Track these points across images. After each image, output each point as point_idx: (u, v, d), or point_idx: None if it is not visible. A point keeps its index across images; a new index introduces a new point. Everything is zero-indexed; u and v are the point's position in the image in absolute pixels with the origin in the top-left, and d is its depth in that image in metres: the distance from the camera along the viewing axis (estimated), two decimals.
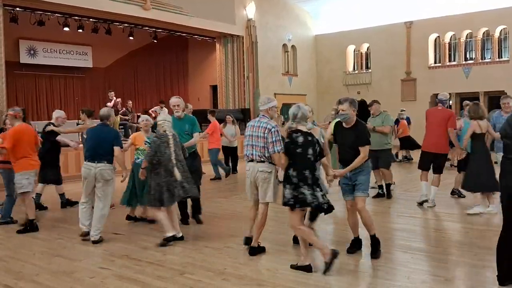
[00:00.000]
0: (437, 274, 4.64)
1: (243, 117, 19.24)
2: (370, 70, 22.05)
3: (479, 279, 4.45)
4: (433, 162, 7.75)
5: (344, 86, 22.35)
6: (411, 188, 9.79)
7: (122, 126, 16.05)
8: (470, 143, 7.25)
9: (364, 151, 5.03)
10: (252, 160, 5.26)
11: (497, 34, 18.91)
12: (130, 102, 17.46)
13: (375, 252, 5.14)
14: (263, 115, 5.30)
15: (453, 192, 8.65)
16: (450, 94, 19.68)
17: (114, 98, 15.97)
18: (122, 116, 16.20)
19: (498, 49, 19.08)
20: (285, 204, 4.76)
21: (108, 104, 15.90)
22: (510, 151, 4.17)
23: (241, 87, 19.75)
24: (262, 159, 5.17)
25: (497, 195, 7.24)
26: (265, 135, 5.08)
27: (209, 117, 11.83)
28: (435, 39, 20.43)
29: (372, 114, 8.82)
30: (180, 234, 6.03)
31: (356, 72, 22.61)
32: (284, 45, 21.82)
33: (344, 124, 5.22)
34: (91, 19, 17.38)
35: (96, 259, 5.43)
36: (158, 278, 4.72)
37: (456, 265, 4.99)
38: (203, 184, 10.60)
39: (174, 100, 6.73)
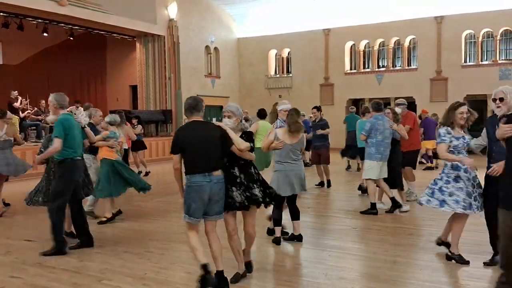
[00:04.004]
0: (352, 270, 4.88)
1: (164, 118, 18.94)
2: (291, 75, 22.63)
3: (391, 274, 4.72)
4: None
5: (266, 89, 22.76)
6: (326, 189, 10.20)
7: (34, 127, 15.17)
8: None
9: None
10: None
11: (406, 44, 20.19)
12: (43, 101, 16.46)
13: None
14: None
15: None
16: (363, 99, 20.74)
17: (20, 97, 15.01)
18: (34, 116, 15.31)
19: (407, 58, 20.39)
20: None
21: (16, 104, 14.95)
22: None
23: (163, 87, 19.42)
24: None
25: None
26: None
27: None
28: (351, 46, 21.41)
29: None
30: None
31: (278, 76, 23.10)
32: (207, 47, 21.79)
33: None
34: (1, 13, 16.23)
35: (5, 268, 5.09)
36: (74, 285, 4.53)
37: (370, 261, 5.26)
38: None
39: None
